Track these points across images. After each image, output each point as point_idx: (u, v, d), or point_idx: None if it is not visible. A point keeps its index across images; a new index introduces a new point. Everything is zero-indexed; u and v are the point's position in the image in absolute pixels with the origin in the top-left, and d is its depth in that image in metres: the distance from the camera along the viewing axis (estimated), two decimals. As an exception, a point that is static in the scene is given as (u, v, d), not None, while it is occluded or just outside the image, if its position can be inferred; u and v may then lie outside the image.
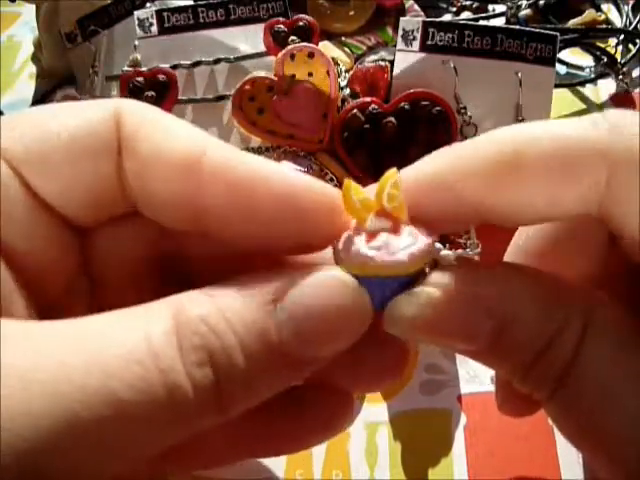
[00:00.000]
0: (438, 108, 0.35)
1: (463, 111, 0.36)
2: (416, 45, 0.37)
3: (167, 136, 0.17)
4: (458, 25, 0.37)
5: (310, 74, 0.36)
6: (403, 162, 0.38)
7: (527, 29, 0.36)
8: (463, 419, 0.28)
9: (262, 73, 0.36)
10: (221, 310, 0.15)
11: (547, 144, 0.16)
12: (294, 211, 0.17)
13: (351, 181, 0.16)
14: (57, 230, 0.18)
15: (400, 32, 0.37)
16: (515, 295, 0.17)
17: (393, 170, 0.17)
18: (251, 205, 0.16)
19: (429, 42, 0.37)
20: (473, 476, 0.27)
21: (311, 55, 0.36)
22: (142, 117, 0.18)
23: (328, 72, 0.36)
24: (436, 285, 0.16)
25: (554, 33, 0.36)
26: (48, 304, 0.18)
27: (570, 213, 0.16)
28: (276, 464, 0.27)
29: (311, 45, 0.36)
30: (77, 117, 0.18)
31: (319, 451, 0.28)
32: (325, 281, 0.16)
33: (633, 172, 0.15)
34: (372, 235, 0.16)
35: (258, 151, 0.37)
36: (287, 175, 0.17)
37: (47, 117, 0.18)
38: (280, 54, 0.36)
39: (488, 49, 0.36)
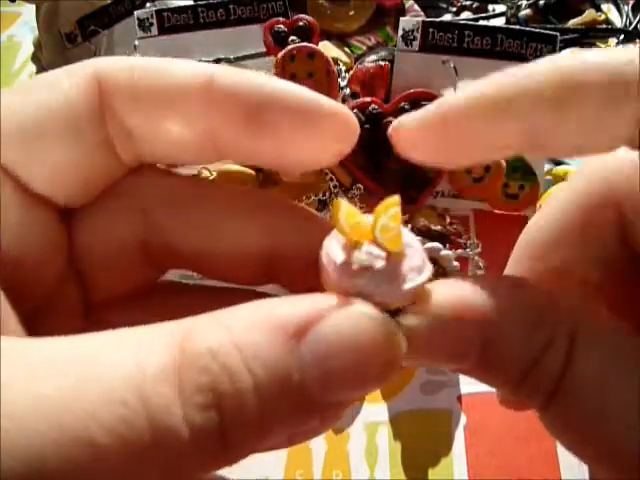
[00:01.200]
0: None
1: (463, 111, 0.36)
2: (416, 45, 0.37)
3: (169, 73, 0.17)
4: (458, 25, 0.37)
5: (310, 74, 0.36)
6: (402, 162, 0.38)
7: (527, 29, 0.36)
8: (463, 419, 0.28)
9: (262, 73, 0.36)
10: (237, 345, 0.13)
11: (600, 69, 0.15)
12: (308, 127, 0.16)
13: (342, 202, 0.15)
14: (45, 220, 0.17)
15: (400, 32, 0.37)
16: (501, 313, 0.16)
17: (394, 199, 0.15)
18: (266, 122, 0.16)
19: (429, 42, 0.37)
20: (473, 476, 0.27)
21: (311, 55, 0.36)
22: (130, 68, 0.17)
23: (328, 72, 0.36)
24: (422, 313, 0.16)
25: (554, 33, 0.36)
26: (37, 302, 0.17)
27: (618, 141, 0.16)
28: (276, 464, 0.27)
29: (311, 45, 0.36)
30: (53, 92, 0.16)
31: (319, 451, 0.28)
32: (356, 318, 0.14)
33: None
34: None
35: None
36: (299, 91, 0.17)
37: (22, 96, 0.16)
38: (280, 54, 0.36)
39: (488, 49, 0.36)
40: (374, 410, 0.29)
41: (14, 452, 0.12)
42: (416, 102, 0.35)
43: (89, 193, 0.17)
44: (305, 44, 0.36)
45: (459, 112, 0.17)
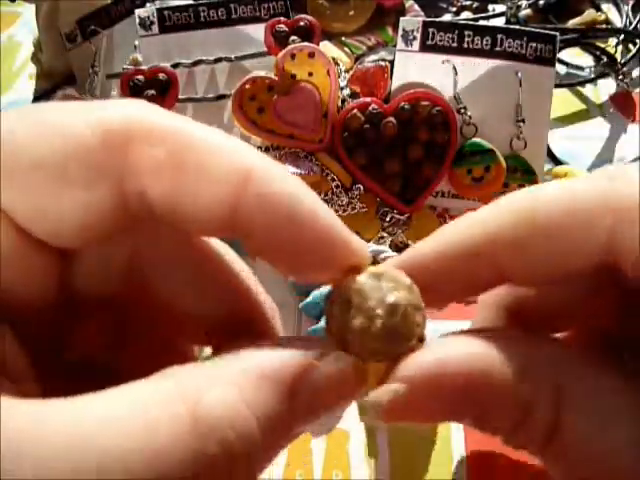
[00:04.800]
0: (438, 108, 0.35)
1: (463, 111, 0.36)
2: (416, 45, 0.37)
3: (208, 153, 0.16)
4: (458, 25, 0.37)
5: (310, 74, 0.36)
6: (403, 162, 0.38)
7: (527, 29, 0.36)
8: (463, 419, 0.28)
9: (262, 73, 0.36)
10: (249, 406, 0.14)
11: (561, 203, 0.17)
12: (326, 251, 0.16)
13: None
14: (41, 263, 0.16)
15: (400, 32, 0.37)
16: (484, 375, 0.17)
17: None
18: (289, 235, 0.16)
19: (429, 42, 0.37)
20: (473, 476, 0.27)
21: (311, 55, 0.36)
22: (164, 132, 0.16)
23: (328, 72, 0.36)
24: (403, 380, 0.17)
25: (554, 33, 0.36)
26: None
27: (590, 263, 0.17)
28: (276, 464, 0.27)
29: (312, 45, 0.36)
30: (70, 137, 0.15)
31: (319, 451, 0.28)
32: (339, 368, 0.16)
33: (634, 218, 0.16)
34: None
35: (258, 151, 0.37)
36: (327, 217, 0.16)
37: (38, 133, 0.15)
38: (280, 54, 0.36)
39: (488, 49, 0.36)
40: (374, 410, 0.29)
41: None
42: (416, 102, 0.35)
43: (88, 237, 0.16)
44: (305, 44, 0.36)
45: (429, 258, 0.18)
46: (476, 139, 0.36)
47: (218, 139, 0.16)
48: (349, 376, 0.16)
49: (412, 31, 0.37)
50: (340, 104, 0.37)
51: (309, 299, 0.32)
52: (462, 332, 0.18)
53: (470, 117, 0.36)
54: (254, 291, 0.19)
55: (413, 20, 0.37)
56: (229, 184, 0.16)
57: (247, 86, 0.36)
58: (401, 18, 0.37)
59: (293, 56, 0.36)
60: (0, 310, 0.15)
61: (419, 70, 0.37)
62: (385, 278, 0.17)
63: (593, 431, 0.16)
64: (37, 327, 0.16)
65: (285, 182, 0.16)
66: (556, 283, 0.19)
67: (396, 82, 0.37)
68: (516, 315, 0.21)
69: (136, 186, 0.16)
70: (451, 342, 0.17)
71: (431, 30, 0.36)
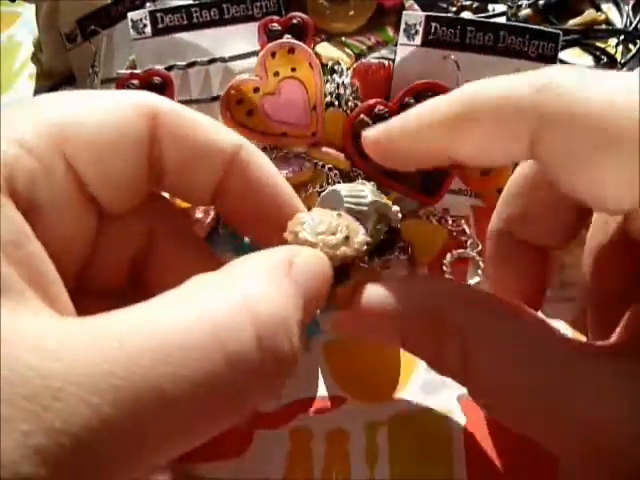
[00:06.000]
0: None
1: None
2: (418, 39, 0.37)
3: (210, 132, 0.22)
4: (461, 20, 0.36)
5: (293, 69, 0.36)
6: None
7: (530, 26, 0.36)
8: (463, 419, 0.28)
9: (245, 75, 0.36)
10: (273, 288, 0.18)
11: (490, 100, 0.20)
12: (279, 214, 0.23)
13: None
14: (89, 215, 0.20)
15: (403, 26, 0.37)
16: (403, 316, 0.22)
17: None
18: (258, 198, 0.23)
19: (431, 37, 0.36)
20: (473, 476, 0.27)
21: (292, 51, 0.36)
22: (179, 115, 0.21)
23: (311, 64, 0.36)
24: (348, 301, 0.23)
25: (557, 31, 0.36)
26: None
27: (514, 157, 0.21)
28: (276, 464, 0.27)
29: (290, 41, 0.36)
30: (117, 111, 0.20)
31: (319, 451, 0.28)
32: (314, 256, 0.21)
33: (558, 126, 0.18)
34: None
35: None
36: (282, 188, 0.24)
37: (92, 108, 0.20)
38: (260, 54, 0.36)
39: (490, 45, 0.36)
40: (374, 410, 0.29)
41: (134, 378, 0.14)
42: (420, 94, 0.35)
43: (126, 200, 0.21)
44: (283, 40, 0.36)
45: (396, 135, 0.23)
46: None
47: (212, 120, 0.23)
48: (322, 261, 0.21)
49: (414, 25, 0.37)
50: (345, 106, 0.37)
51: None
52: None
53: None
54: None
55: (416, 14, 0.37)
56: (224, 154, 0.22)
57: (233, 91, 0.36)
58: (404, 12, 0.37)
59: (273, 54, 0.36)
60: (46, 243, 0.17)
61: (420, 65, 0.36)
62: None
63: (494, 365, 0.20)
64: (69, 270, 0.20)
65: (265, 159, 0.24)
66: (492, 165, 0.25)
67: (397, 76, 0.37)
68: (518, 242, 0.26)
69: (160, 150, 0.21)
70: (377, 286, 0.23)
71: (434, 25, 0.36)
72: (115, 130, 0.20)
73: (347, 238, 0.22)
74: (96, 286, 0.22)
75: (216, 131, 0.22)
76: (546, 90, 0.19)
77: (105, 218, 0.21)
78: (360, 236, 0.23)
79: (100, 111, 0.20)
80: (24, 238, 0.16)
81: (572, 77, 0.18)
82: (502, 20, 0.47)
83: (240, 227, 0.26)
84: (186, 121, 0.21)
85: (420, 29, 0.36)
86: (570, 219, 0.24)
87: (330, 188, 0.28)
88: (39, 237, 0.17)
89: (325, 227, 0.22)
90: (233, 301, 0.16)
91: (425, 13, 0.37)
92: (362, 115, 0.35)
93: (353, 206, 0.28)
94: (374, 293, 0.22)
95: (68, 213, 0.19)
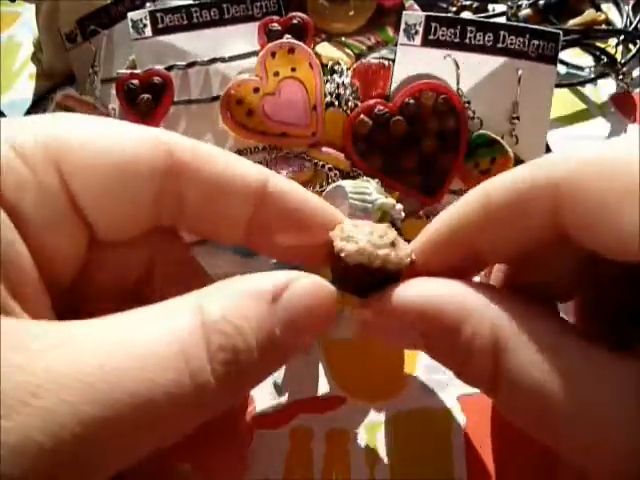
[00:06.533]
0: (443, 96, 0.35)
1: (467, 105, 0.36)
2: (418, 39, 0.37)
3: (231, 167, 0.21)
4: (461, 20, 0.36)
5: (293, 69, 0.36)
6: (418, 156, 0.38)
7: (530, 26, 0.36)
8: (463, 419, 0.28)
9: (245, 75, 0.36)
10: (239, 309, 0.17)
11: (505, 192, 0.20)
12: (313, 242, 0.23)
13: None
14: (80, 234, 0.20)
15: (402, 26, 0.37)
16: (431, 311, 0.20)
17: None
18: (298, 229, 0.22)
19: (431, 37, 0.36)
20: (473, 476, 0.27)
21: (291, 50, 0.36)
22: (199, 152, 0.21)
23: (311, 64, 0.36)
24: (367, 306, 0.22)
25: (557, 31, 0.36)
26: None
27: (541, 240, 0.20)
28: (276, 464, 0.27)
29: (290, 41, 0.36)
30: (129, 141, 0.20)
31: (319, 451, 0.28)
32: (312, 285, 0.19)
33: (571, 195, 0.18)
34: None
35: (254, 151, 0.37)
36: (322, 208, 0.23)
37: (101, 132, 0.19)
38: (260, 54, 0.36)
39: (490, 45, 0.36)
40: (374, 410, 0.29)
41: (96, 404, 0.14)
42: (419, 95, 0.35)
43: (122, 233, 0.21)
44: (283, 40, 0.36)
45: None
46: (481, 131, 0.36)
47: (234, 155, 0.22)
48: (321, 291, 0.20)
49: (414, 25, 0.37)
50: (345, 105, 0.37)
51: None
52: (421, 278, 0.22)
53: (474, 112, 0.36)
54: None
55: (416, 14, 0.37)
56: (253, 189, 0.21)
57: (232, 91, 0.35)
58: (404, 12, 0.37)
59: (273, 54, 0.36)
60: (36, 259, 0.18)
61: (420, 65, 0.36)
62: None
63: (534, 377, 0.18)
64: (61, 284, 0.20)
65: (294, 184, 0.23)
66: (522, 257, 0.22)
67: (397, 76, 0.37)
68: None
69: (176, 188, 0.20)
70: (414, 284, 0.21)
71: (434, 25, 0.36)
72: (122, 159, 0.19)
73: (393, 245, 0.22)
74: (95, 294, 0.22)
75: (239, 165, 0.21)
76: (554, 166, 0.19)
77: (100, 241, 0.21)
78: (407, 249, 0.23)
79: (111, 137, 0.19)
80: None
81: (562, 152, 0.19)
82: (502, 20, 0.47)
83: (279, 256, 0.26)
84: (206, 157, 0.21)
85: (420, 29, 0.36)
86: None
87: (335, 184, 0.28)
88: (24, 242, 0.17)
89: (374, 230, 0.22)
90: (195, 322, 0.17)
91: (425, 13, 0.37)
92: (362, 115, 0.35)
93: (357, 202, 0.28)
94: (404, 293, 0.21)
95: (56, 228, 0.19)
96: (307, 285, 0.19)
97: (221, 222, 0.22)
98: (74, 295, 0.21)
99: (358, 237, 0.21)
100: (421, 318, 0.20)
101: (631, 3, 0.48)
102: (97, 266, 0.21)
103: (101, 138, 0.19)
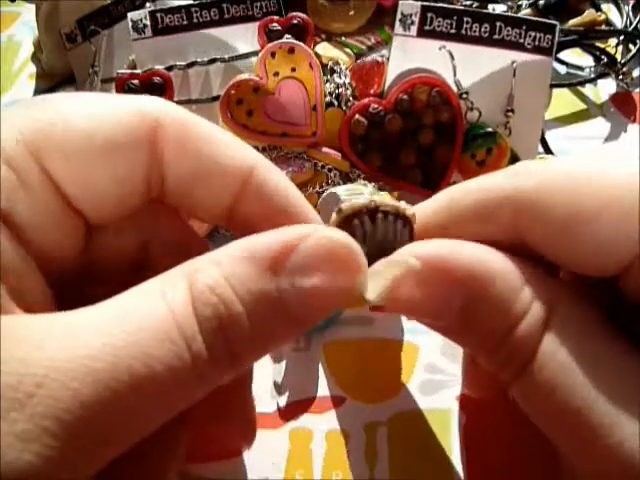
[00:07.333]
0: (436, 89, 0.35)
1: (465, 96, 0.36)
2: (414, 30, 0.36)
3: (215, 151, 0.20)
4: (457, 11, 0.36)
5: (293, 69, 0.36)
6: (417, 151, 0.38)
7: (526, 17, 0.36)
8: (463, 419, 0.28)
9: (245, 75, 0.36)
10: (228, 278, 0.17)
11: (470, 197, 0.20)
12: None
13: None
14: (75, 225, 0.20)
15: (398, 16, 0.36)
16: (485, 277, 0.18)
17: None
18: (274, 216, 0.21)
19: (427, 27, 0.36)
20: (472, 476, 0.27)
21: (291, 50, 0.36)
22: (186, 127, 0.20)
23: (311, 65, 0.36)
24: (414, 255, 0.19)
25: (554, 22, 0.36)
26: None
27: (505, 239, 0.20)
28: (276, 464, 0.27)
29: (290, 41, 0.36)
30: (110, 115, 0.19)
31: (319, 451, 0.28)
32: (320, 243, 0.17)
33: (534, 210, 0.18)
34: None
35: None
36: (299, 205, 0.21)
37: (77, 109, 0.19)
38: (260, 54, 0.36)
39: (486, 36, 0.36)
40: (374, 410, 0.29)
41: (88, 381, 0.15)
42: (413, 90, 0.35)
43: (113, 213, 0.20)
44: (283, 40, 0.36)
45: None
46: (477, 122, 0.36)
47: (226, 135, 0.20)
48: (340, 247, 0.18)
49: (410, 15, 0.36)
50: (344, 104, 0.37)
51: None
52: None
53: (472, 103, 0.36)
54: None
55: (412, 4, 0.36)
56: (236, 177, 0.20)
57: (232, 91, 0.36)
58: (400, 2, 0.37)
59: (273, 54, 0.36)
60: (34, 255, 0.18)
61: (416, 55, 0.36)
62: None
63: (575, 360, 0.17)
64: (61, 276, 0.20)
65: (281, 178, 0.21)
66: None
67: (392, 71, 0.37)
68: None
69: (160, 162, 0.19)
70: (464, 243, 0.19)
71: (430, 15, 0.36)
72: (104, 141, 0.18)
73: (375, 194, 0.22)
74: (97, 279, 0.22)
75: (230, 147, 0.20)
76: (521, 175, 0.19)
77: (96, 228, 0.20)
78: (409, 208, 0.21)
79: (95, 117, 0.19)
80: None
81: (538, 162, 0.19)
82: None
83: None
84: (194, 135, 0.20)
85: (416, 19, 0.36)
86: None
87: (328, 191, 0.28)
88: (20, 242, 0.18)
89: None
90: (185, 293, 0.17)
91: (421, 3, 0.36)
92: (357, 115, 0.35)
93: None
94: (458, 248, 0.19)
95: (51, 225, 0.19)
96: (321, 242, 0.17)
97: (200, 204, 0.21)
98: (76, 282, 0.21)
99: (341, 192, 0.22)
100: (472, 282, 0.18)
101: (631, 3, 0.48)
102: (96, 251, 0.21)
103: (84, 120, 0.18)
